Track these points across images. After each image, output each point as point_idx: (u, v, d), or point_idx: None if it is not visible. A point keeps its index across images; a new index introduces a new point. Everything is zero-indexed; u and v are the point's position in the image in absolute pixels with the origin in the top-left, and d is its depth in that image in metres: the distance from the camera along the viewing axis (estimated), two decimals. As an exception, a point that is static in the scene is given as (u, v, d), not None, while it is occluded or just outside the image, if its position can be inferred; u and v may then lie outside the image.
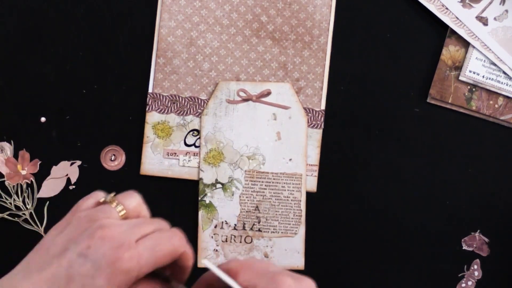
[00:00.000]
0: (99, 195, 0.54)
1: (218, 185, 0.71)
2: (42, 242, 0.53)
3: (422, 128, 0.73)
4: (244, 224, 0.72)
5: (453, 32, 0.72)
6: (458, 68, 0.72)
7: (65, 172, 0.72)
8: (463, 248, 0.73)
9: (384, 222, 0.73)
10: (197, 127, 0.72)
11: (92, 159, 0.72)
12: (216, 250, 0.71)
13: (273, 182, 0.71)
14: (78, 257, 0.51)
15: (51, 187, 0.72)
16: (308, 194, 0.72)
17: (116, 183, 0.72)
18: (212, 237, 0.71)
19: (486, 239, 0.73)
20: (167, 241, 0.53)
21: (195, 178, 0.72)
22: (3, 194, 0.72)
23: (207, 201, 0.71)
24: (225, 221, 0.71)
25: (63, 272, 0.51)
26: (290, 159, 0.71)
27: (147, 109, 0.72)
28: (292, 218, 0.71)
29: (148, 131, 0.72)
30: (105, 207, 0.53)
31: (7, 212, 0.72)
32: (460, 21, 0.71)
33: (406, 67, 0.73)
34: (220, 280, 0.51)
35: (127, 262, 0.51)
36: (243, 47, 0.72)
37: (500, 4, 0.72)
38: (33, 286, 0.52)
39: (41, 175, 0.72)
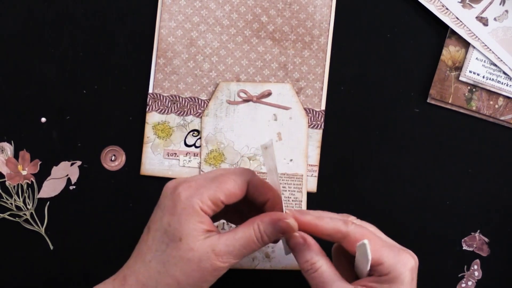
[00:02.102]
0: None
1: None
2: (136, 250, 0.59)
3: (422, 128, 0.73)
4: (245, 224, 0.72)
5: (453, 33, 0.72)
6: (458, 68, 0.72)
7: (66, 172, 0.72)
8: (463, 248, 0.73)
9: (384, 222, 0.73)
10: (197, 128, 0.72)
11: (92, 160, 0.72)
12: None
13: (274, 183, 0.71)
14: (154, 212, 0.57)
15: (51, 188, 0.72)
16: (308, 194, 0.72)
17: (116, 183, 0.72)
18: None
19: (486, 239, 0.73)
20: (230, 170, 0.57)
21: (196, 178, 0.72)
22: (3, 195, 0.72)
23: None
24: (226, 221, 0.71)
25: (146, 230, 0.57)
26: (291, 160, 0.71)
27: (147, 109, 0.72)
28: (293, 219, 0.71)
29: (148, 132, 0.72)
30: None
31: (8, 213, 0.72)
32: (460, 21, 0.71)
33: (406, 67, 0.73)
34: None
35: (183, 191, 0.55)
36: (243, 47, 0.72)
37: (500, 4, 0.72)
38: (130, 258, 0.58)
39: (42, 176, 0.72)
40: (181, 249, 0.53)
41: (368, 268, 0.56)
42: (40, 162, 0.72)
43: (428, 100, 0.73)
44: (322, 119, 0.72)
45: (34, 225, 0.72)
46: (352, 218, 0.61)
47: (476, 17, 0.72)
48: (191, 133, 0.72)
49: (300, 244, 0.57)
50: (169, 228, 0.54)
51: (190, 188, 0.54)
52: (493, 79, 0.72)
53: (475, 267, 0.73)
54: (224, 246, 0.54)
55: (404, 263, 0.57)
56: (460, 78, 0.72)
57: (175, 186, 0.55)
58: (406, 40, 0.73)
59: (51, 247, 0.72)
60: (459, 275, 0.73)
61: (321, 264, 0.57)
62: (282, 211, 0.57)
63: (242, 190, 0.56)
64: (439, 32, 0.73)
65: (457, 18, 0.71)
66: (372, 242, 0.56)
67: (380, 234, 0.61)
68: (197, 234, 0.54)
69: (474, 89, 0.72)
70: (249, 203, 0.59)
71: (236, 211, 0.61)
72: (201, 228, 0.54)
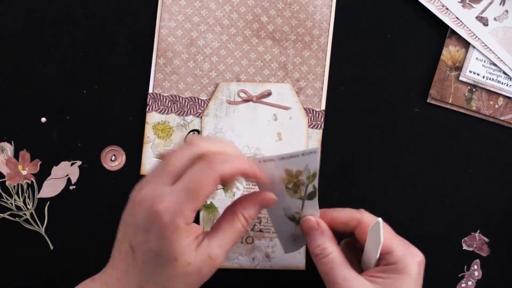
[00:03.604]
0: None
1: (219, 186, 0.71)
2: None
3: (422, 128, 0.73)
4: (245, 224, 0.72)
5: (453, 32, 0.72)
6: (458, 68, 0.72)
7: (66, 172, 0.72)
8: (463, 248, 0.73)
9: (384, 222, 0.73)
10: (197, 127, 0.72)
11: (93, 159, 0.72)
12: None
13: (274, 183, 0.71)
14: (132, 229, 0.55)
15: (51, 187, 0.72)
16: (309, 194, 0.72)
17: (117, 183, 0.72)
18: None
19: (486, 239, 0.73)
20: (198, 173, 0.54)
21: (196, 178, 0.72)
22: (3, 195, 0.72)
23: (208, 202, 0.71)
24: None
25: (128, 248, 0.56)
26: (291, 160, 0.71)
27: (147, 109, 0.72)
28: (293, 219, 0.71)
29: (149, 131, 0.72)
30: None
31: (8, 212, 0.72)
32: (460, 21, 0.71)
33: (406, 67, 0.73)
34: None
35: (165, 213, 0.53)
36: (243, 47, 0.72)
37: (500, 4, 0.72)
38: (113, 268, 0.57)
39: (42, 175, 0.72)
40: (178, 267, 0.54)
41: (378, 253, 0.56)
42: (40, 162, 0.72)
43: (428, 100, 0.73)
44: (322, 119, 0.72)
45: (34, 225, 0.72)
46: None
47: (476, 17, 0.72)
48: (191, 133, 0.72)
49: (314, 228, 0.58)
50: (160, 252, 0.54)
51: (170, 209, 0.53)
52: (493, 79, 0.72)
53: (475, 267, 0.73)
54: (218, 247, 0.55)
55: (412, 255, 0.58)
56: (460, 78, 0.72)
57: (150, 206, 0.53)
58: (406, 40, 0.73)
59: (51, 247, 0.72)
60: (459, 275, 0.73)
61: (332, 250, 0.58)
62: (261, 177, 0.57)
63: (216, 185, 0.55)
64: (439, 32, 0.73)
65: (457, 18, 0.71)
66: (385, 230, 0.57)
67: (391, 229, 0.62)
68: (190, 248, 0.54)
69: (474, 89, 0.72)
70: None
71: None
72: (190, 240, 0.54)
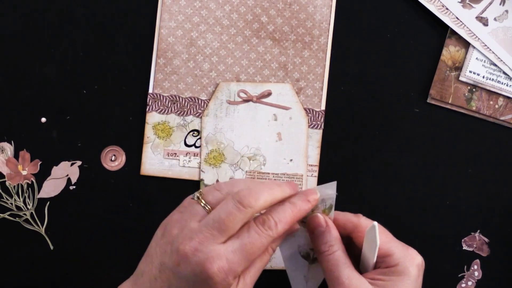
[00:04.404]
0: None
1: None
2: (149, 249, 0.57)
3: (422, 128, 0.73)
4: (245, 224, 0.72)
5: (453, 33, 0.72)
6: (458, 68, 0.72)
7: (66, 172, 0.72)
8: (463, 248, 0.73)
9: (384, 222, 0.73)
10: (197, 128, 0.72)
11: (93, 159, 0.72)
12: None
13: (274, 183, 0.71)
14: (173, 277, 0.54)
15: (51, 187, 0.72)
16: (309, 194, 0.72)
17: (117, 183, 0.72)
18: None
19: (486, 239, 0.73)
20: (256, 237, 0.54)
21: (196, 178, 0.72)
22: (3, 195, 0.72)
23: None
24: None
25: None
26: (291, 160, 0.71)
27: (147, 109, 0.72)
28: (293, 219, 0.71)
29: (149, 132, 0.72)
30: (192, 206, 0.56)
31: (8, 213, 0.72)
32: (460, 21, 0.71)
33: (406, 67, 0.73)
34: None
35: (218, 275, 0.53)
36: (243, 47, 0.72)
37: (500, 4, 0.72)
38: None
39: (42, 176, 0.72)
40: None
41: (375, 256, 0.56)
42: (40, 162, 0.72)
43: (428, 100, 0.73)
44: (322, 119, 0.72)
45: (34, 225, 0.72)
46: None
47: (476, 17, 0.72)
48: (191, 133, 0.72)
49: (322, 226, 0.59)
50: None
51: (224, 269, 0.53)
52: (493, 79, 0.72)
53: (475, 267, 0.73)
54: (250, 284, 0.56)
55: (412, 257, 0.58)
56: (460, 78, 0.72)
57: (203, 264, 0.53)
58: (406, 40, 0.73)
59: (51, 247, 0.72)
60: (459, 275, 0.73)
61: (337, 249, 0.58)
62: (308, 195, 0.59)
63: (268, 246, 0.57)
64: (439, 32, 0.73)
65: (457, 18, 0.71)
66: (382, 235, 0.58)
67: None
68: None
69: (474, 89, 0.72)
70: None
71: None
72: None
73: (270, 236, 0.54)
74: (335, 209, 0.60)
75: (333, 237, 0.59)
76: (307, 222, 0.60)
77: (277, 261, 0.71)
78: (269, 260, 0.58)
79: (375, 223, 0.55)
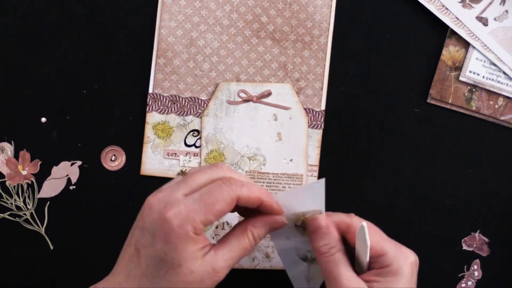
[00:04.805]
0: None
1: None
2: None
3: (422, 128, 0.73)
4: (245, 224, 0.72)
5: (453, 33, 0.72)
6: (458, 68, 0.72)
7: (66, 172, 0.72)
8: (463, 248, 0.73)
9: (384, 222, 0.73)
10: (197, 128, 0.72)
11: (93, 159, 0.72)
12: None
13: (274, 183, 0.71)
14: (139, 232, 0.55)
15: (51, 187, 0.72)
16: (309, 194, 0.72)
17: (117, 183, 0.72)
18: (213, 237, 0.71)
19: (486, 239, 0.73)
20: (215, 188, 0.55)
21: (196, 178, 0.72)
22: (4, 195, 0.72)
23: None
24: (226, 221, 0.71)
25: (133, 251, 0.55)
26: (291, 160, 0.71)
27: (147, 109, 0.72)
28: (293, 219, 0.71)
29: (149, 131, 0.72)
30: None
31: (8, 212, 0.72)
32: (460, 21, 0.71)
33: (406, 67, 0.73)
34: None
35: (174, 218, 0.53)
36: (243, 47, 0.72)
37: (500, 4, 0.72)
38: (116, 274, 0.56)
39: (42, 175, 0.72)
40: (181, 274, 0.53)
41: (368, 256, 0.56)
42: (40, 162, 0.72)
43: (428, 100, 0.73)
44: (322, 119, 0.72)
45: (34, 225, 0.72)
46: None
47: (476, 17, 0.72)
48: (191, 133, 0.72)
49: (320, 227, 0.58)
50: (165, 256, 0.53)
51: (180, 214, 0.53)
52: (493, 79, 0.72)
53: (475, 267, 0.73)
54: (223, 261, 0.55)
55: (405, 256, 0.58)
56: (460, 78, 0.72)
57: (161, 210, 0.54)
58: (406, 40, 0.73)
59: (51, 247, 0.72)
60: (459, 275, 0.73)
61: (337, 250, 0.58)
62: (276, 210, 0.58)
63: (231, 206, 0.56)
64: (439, 32, 0.73)
65: (457, 18, 0.71)
66: (375, 234, 0.58)
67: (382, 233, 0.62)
68: (195, 257, 0.54)
69: (474, 89, 0.72)
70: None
71: None
72: (197, 248, 0.54)
73: (231, 191, 0.54)
74: (328, 210, 0.60)
75: (333, 238, 0.59)
76: (307, 223, 0.60)
77: (277, 261, 0.72)
78: (251, 249, 0.57)
79: (364, 223, 0.55)
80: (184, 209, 0.54)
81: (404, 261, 0.58)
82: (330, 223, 0.59)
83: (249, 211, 0.58)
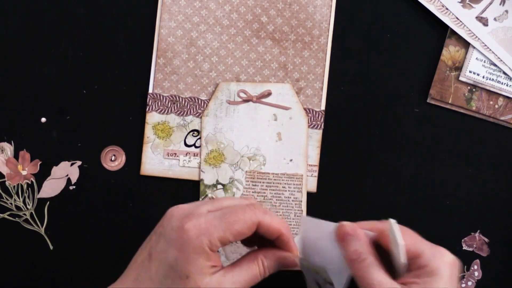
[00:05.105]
0: None
1: (219, 186, 0.71)
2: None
3: (422, 128, 0.73)
4: (245, 224, 0.72)
5: (453, 33, 0.72)
6: (458, 68, 0.72)
7: (66, 172, 0.72)
8: (463, 248, 0.73)
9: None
10: (197, 128, 0.72)
11: (93, 160, 0.72)
12: (217, 251, 0.71)
13: (274, 183, 0.71)
14: (156, 238, 0.55)
15: (51, 187, 0.72)
16: (308, 194, 0.72)
17: (117, 183, 0.72)
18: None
19: (486, 239, 0.73)
20: (238, 209, 0.55)
21: (196, 178, 0.72)
22: (3, 195, 0.72)
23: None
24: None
25: (146, 255, 0.55)
26: (291, 160, 0.71)
27: (147, 109, 0.72)
28: (293, 219, 0.71)
29: (148, 132, 0.72)
30: None
31: (8, 213, 0.72)
32: (460, 21, 0.71)
33: (406, 67, 0.73)
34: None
35: (192, 229, 0.53)
36: (243, 47, 0.72)
37: (500, 4, 0.72)
38: (126, 276, 0.56)
39: (42, 176, 0.72)
40: (187, 286, 0.53)
41: (403, 256, 0.55)
42: (40, 162, 0.72)
43: (428, 100, 0.73)
44: (322, 119, 0.72)
45: (34, 225, 0.72)
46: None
47: (476, 17, 0.72)
48: (191, 133, 0.72)
49: (349, 234, 0.58)
50: (175, 264, 0.53)
51: (199, 226, 0.53)
52: (493, 79, 0.72)
53: (475, 267, 0.73)
54: (231, 283, 0.55)
55: (442, 255, 0.57)
56: (460, 78, 0.72)
57: (182, 220, 0.54)
58: (406, 40, 0.73)
59: (51, 247, 0.72)
60: (459, 275, 0.73)
61: (368, 255, 0.57)
62: (292, 248, 0.58)
63: (251, 230, 0.56)
64: (439, 32, 0.73)
65: (457, 18, 0.71)
66: (410, 236, 0.57)
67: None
68: (204, 272, 0.54)
69: (474, 89, 0.72)
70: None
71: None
72: (208, 265, 0.54)
73: (253, 215, 0.54)
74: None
75: (362, 243, 0.57)
76: (336, 230, 0.59)
77: (277, 261, 0.71)
78: (260, 278, 0.57)
79: (392, 220, 0.54)
80: (204, 222, 0.54)
81: (441, 260, 0.56)
82: (357, 228, 0.58)
83: (265, 245, 0.58)
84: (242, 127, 0.72)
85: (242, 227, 0.54)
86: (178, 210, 0.55)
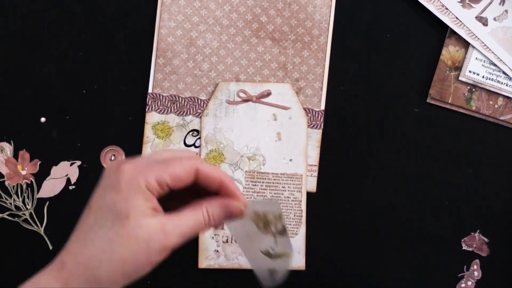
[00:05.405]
0: None
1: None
2: None
3: (422, 128, 0.73)
4: (244, 224, 0.72)
5: (453, 33, 0.72)
6: (458, 68, 0.72)
7: (65, 172, 0.72)
8: (463, 248, 0.73)
9: (384, 222, 0.73)
10: (196, 127, 0.72)
11: (92, 159, 0.72)
12: (217, 251, 0.71)
13: (273, 183, 0.71)
14: (94, 192, 0.53)
15: (51, 187, 0.72)
16: (308, 194, 0.72)
17: (116, 183, 0.72)
18: (213, 237, 0.71)
19: (486, 239, 0.73)
20: (177, 155, 0.54)
21: (195, 178, 0.72)
22: (3, 194, 0.72)
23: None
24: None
25: (86, 210, 0.53)
26: (291, 160, 0.71)
27: (147, 109, 0.72)
28: (292, 219, 0.71)
29: (148, 131, 0.72)
30: None
31: (7, 212, 0.72)
32: (460, 21, 0.71)
33: (406, 67, 0.73)
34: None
35: (127, 170, 0.52)
36: (242, 47, 0.72)
37: (500, 4, 0.72)
38: (72, 235, 0.54)
39: (41, 175, 0.72)
40: (128, 227, 0.52)
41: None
42: (39, 162, 0.72)
43: (428, 100, 0.73)
44: (322, 119, 0.72)
45: (34, 225, 0.72)
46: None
47: (476, 17, 0.71)
48: (191, 133, 0.72)
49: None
50: (114, 206, 0.52)
51: (135, 167, 0.52)
52: (492, 79, 0.72)
53: (475, 267, 0.73)
54: (174, 225, 0.53)
55: None
56: (460, 78, 0.72)
57: (117, 166, 0.53)
58: (406, 40, 0.73)
59: (50, 247, 0.72)
60: (459, 275, 0.73)
61: None
62: (237, 195, 0.56)
63: (189, 176, 0.54)
64: (439, 32, 0.73)
65: (456, 18, 0.71)
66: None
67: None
68: (145, 213, 0.52)
69: (473, 89, 0.72)
70: (195, 194, 0.58)
71: (181, 201, 0.60)
72: (147, 206, 0.52)
73: (191, 162, 0.53)
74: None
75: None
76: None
77: (277, 261, 0.71)
78: (205, 227, 0.55)
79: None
80: (140, 164, 0.52)
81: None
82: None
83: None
84: (242, 127, 0.72)
85: (180, 170, 0.53)
86: (114, 161, 0.55)
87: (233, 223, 0.58)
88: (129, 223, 0.52)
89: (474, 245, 0.73)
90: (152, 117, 0.72)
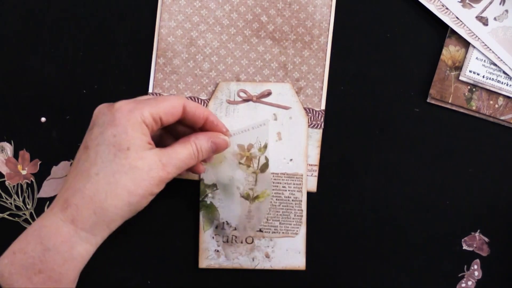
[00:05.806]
0: None
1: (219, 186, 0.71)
2: None
3: (422, 128, 0.73)
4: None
5: (453, 32, 0.72)
6: (458, 68, 0.72)
7: (66, 172, 0.72)
8: (463, 248, 0.73)
9: (384, 222, 0.73)
10: (197, 127, 0.72)
11: (92, 159, 0.72)
12: (217, 251, 0.71)
13: (273, 183, 0.71)
14: (88, 132, 0.57)
15: (51, 187, 0.72)
16: (308, 194, 0.72)
17: (116, 183, 0.72)
18: (213, 237, 0.71)
19: (486, 239, 0.73)
20: (165, 96, 0.59)
21: (195, 178, 0.72)
22: (3, 194, 0.72)
23: (208, 202, 0.71)
24: (226, 221, 0.71)
25: (82, 150, 0.57)
26: (291, 159, 0.71)
27: (147, 109, 0.72)
28: (293, 218, 0.71)
29: (148, 131, 0.72)
30: None
31: (8, 212, 0.72)
32: (460, 21, 0.71)
33: (406, 67, 0.73)
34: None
35: (123, 106, 0.56)
36: (243, 47, 0.72)
37: (500, 4, 0.72)
38: (65, 181, 0.57)
39: (42, 175, 0.72)
40: (130, 158, 0.54)
41: None
42: (40, 162, 0.72)
43: (428, 100, 0.73)
44: (322, 119, 0.72)
45: (34, 225, 0.72)
46: None
47: (476, 17, 0.72)
48: (191, 133, 0.72)
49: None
50: (114, 139, 0.54)
51: (128, 104, 0.56)
52: (493, 78, 0.72)
53: (475, 267, 0.73)
54: (169, 158, 0.56)
55: None
56: (460, 78, 0.72)
57: (109, 105, 0.56)
58: (406, 40, 0.73)
59: (51, 247, 0.72)
60: (459, 275, 0.73)
61: None
62: (221, 129, 0.63)
63: (178, 111, 0.58)
64: (439, 32, 0.73)
65: (457, 17, 0.71)
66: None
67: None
68: (144, 145, 0.55)
69: (474, 89, 0.72)
70: (184, 130, 0.62)
71: (171, 138, 0.64)
72: (145, 140, 0.55)
73: (179, 99, 0.58)
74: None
75: None
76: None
77: (277, 261, 0.71)
78: (195, 160, 0.60)
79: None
80: (132, 102, 0.56)
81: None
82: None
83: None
84: (242, 126, 0.71)
85: (170, 105, 0.57)
86: (103, 104, 0.57)
87: (216, 168, 0.61)
88: (130, 154, 0.54)
89: (475, 245, 0.73)
90: (152, 117, 0.72)
